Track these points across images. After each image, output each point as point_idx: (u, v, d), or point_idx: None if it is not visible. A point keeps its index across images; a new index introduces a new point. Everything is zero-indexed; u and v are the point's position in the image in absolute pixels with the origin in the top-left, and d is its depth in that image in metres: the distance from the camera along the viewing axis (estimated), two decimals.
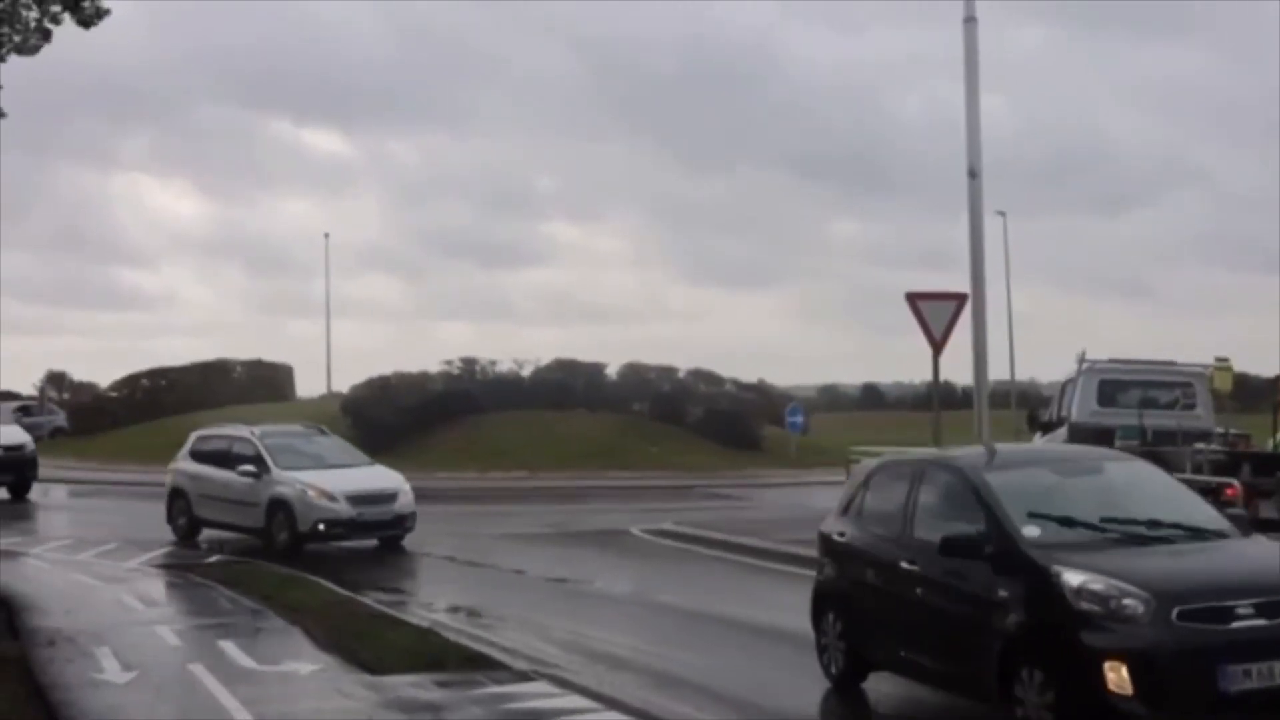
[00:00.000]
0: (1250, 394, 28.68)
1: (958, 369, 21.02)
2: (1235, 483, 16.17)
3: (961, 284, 21.28)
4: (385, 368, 50.60)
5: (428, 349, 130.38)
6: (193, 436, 23.88)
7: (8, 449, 31.52)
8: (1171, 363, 24.92)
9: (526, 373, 49.11)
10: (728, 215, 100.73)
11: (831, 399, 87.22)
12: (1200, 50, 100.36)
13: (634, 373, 49.65)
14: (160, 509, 23.39)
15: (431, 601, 15.73)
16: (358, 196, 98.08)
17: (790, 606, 15.68)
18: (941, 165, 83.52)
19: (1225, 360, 24.26)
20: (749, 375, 55.27)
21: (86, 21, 14.68)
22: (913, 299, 21.33)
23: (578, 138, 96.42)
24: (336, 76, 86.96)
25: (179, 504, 22.85)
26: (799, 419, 44.43)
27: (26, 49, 14.68)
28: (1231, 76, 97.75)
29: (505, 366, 49.13)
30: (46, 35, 14.73)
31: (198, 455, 23.20)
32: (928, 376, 21.75)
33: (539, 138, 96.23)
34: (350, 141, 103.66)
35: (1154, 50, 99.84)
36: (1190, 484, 18.85)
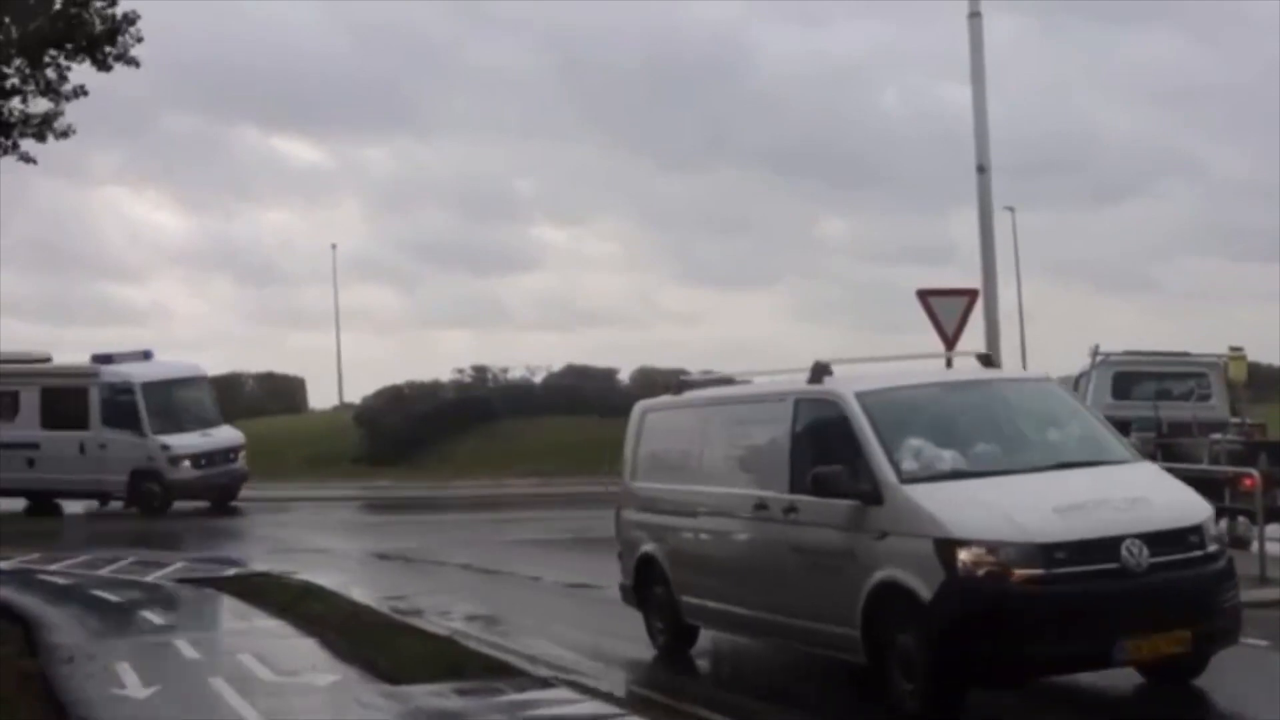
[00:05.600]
0: (1263, 383, 28.60)
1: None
2: (1253, 473, 16.10)
3: (960, 279, 21.22)
4: (392, 378, 50.63)
5: (432, 358, 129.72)
6: None
7: None
8: (1185, 353, 24.89)
9: (538, 379, 49.15)
10: (713, 215, 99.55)
11: None
12: (1174, 35, 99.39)
13: (645, 377, 49.56)
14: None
15: (449, 610, 15.71)
16: (336, 205, 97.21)
17: None
18: (925, 159, 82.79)
19: (1239, 349, 24.19)
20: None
21: (105, 68, 15.06)
22: (924, 296, 21.27)
23: (550, 139, 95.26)
24: (298, 83, 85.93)
25: None
26: None
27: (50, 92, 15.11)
28: (1208, 61, 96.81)
29: (517, 373, 49.20)
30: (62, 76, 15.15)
31: None
32: None
33: (511, 140, 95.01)
34: (321, 149, 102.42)
35: (1129, 37, 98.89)
36: (1206, 475, 18.91)
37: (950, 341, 21.09)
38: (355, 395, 54.38)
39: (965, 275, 20.25)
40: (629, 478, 13.44)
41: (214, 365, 32.72)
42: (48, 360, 33.30)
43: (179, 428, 31.54)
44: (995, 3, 20.15)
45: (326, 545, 24.28)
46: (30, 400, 31.84)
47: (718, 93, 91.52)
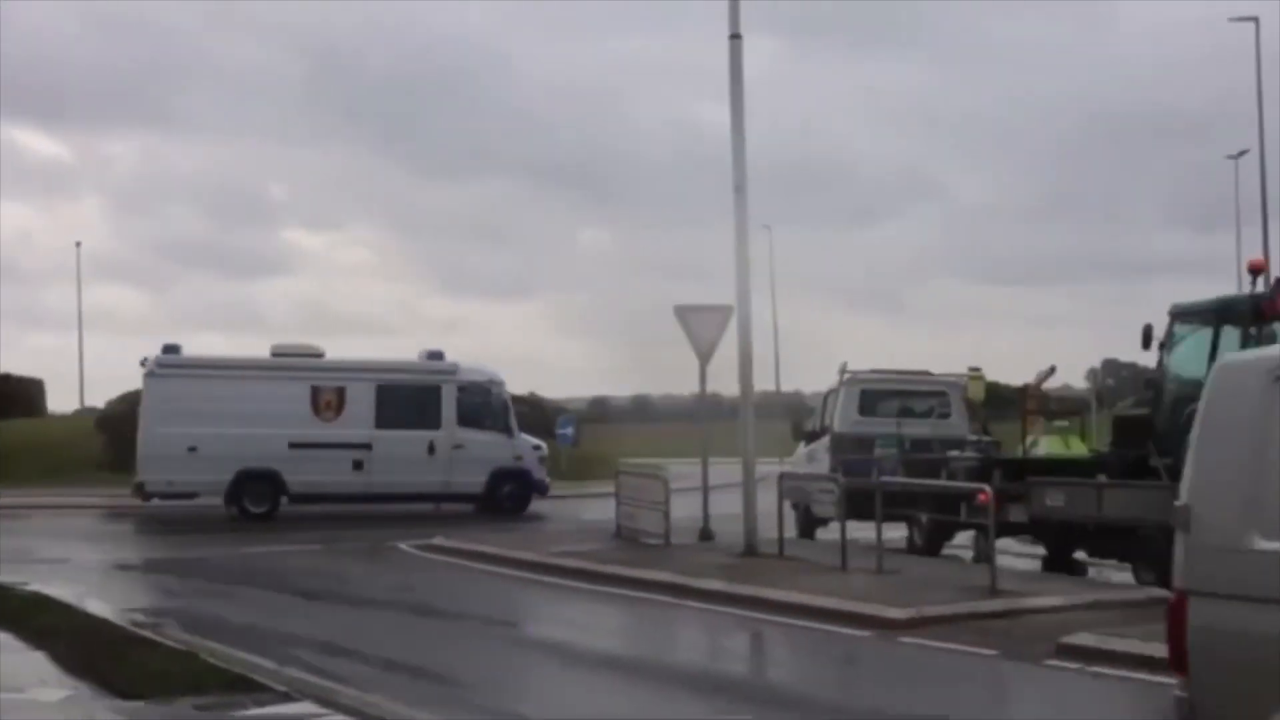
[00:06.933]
0: (1000, 402, 29.96)
1: (724, 380, 22.00)
2: (987, 489, 16.79)
3: (718, 294, 21.69)
4: (138, 382, 48.54)
5: None
6: None
7: None
8: (927, 373, 25.92)
9: None
10: (472, 224, 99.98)
11: (602, 411, 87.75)
12: (922, 63, 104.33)
13: None
14: None
15: (191, 622, 15.23)
16: (78, 200, 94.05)
17: (554, 618, 15.76)
18: (684, 175, 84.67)
19: (978, 370, 25.32)
20: (519, 387, 55.14)
21: None
22: (681, 312, 21.65)
23: (303, 142, 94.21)
24: (37, 72, 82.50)
25: None
26: (569, 431, 44.52)
27: None
28: (954, 88, 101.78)
29: None
30: None
31: None
32: (696, 388, 22.11)
33: (263, 141, 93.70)
34: (62, 142, 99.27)
35: (881, 62, 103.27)
36: (945, 490, 19.66)
37: (705, 356, 21.50)
38: (99, 399, 52.27)
39: (723, 291, 20.65)
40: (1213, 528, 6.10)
41: None
42: (321, 355, 30.51)
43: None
44: (753, 24, 20.50)
45: (64, 555, 23.24)
46: (361, 397, 29.38)
47: (477, 103, 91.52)
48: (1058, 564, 19.38)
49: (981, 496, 16.65)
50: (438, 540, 23.37)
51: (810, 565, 18.07)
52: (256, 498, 29.00)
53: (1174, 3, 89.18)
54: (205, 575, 19.77)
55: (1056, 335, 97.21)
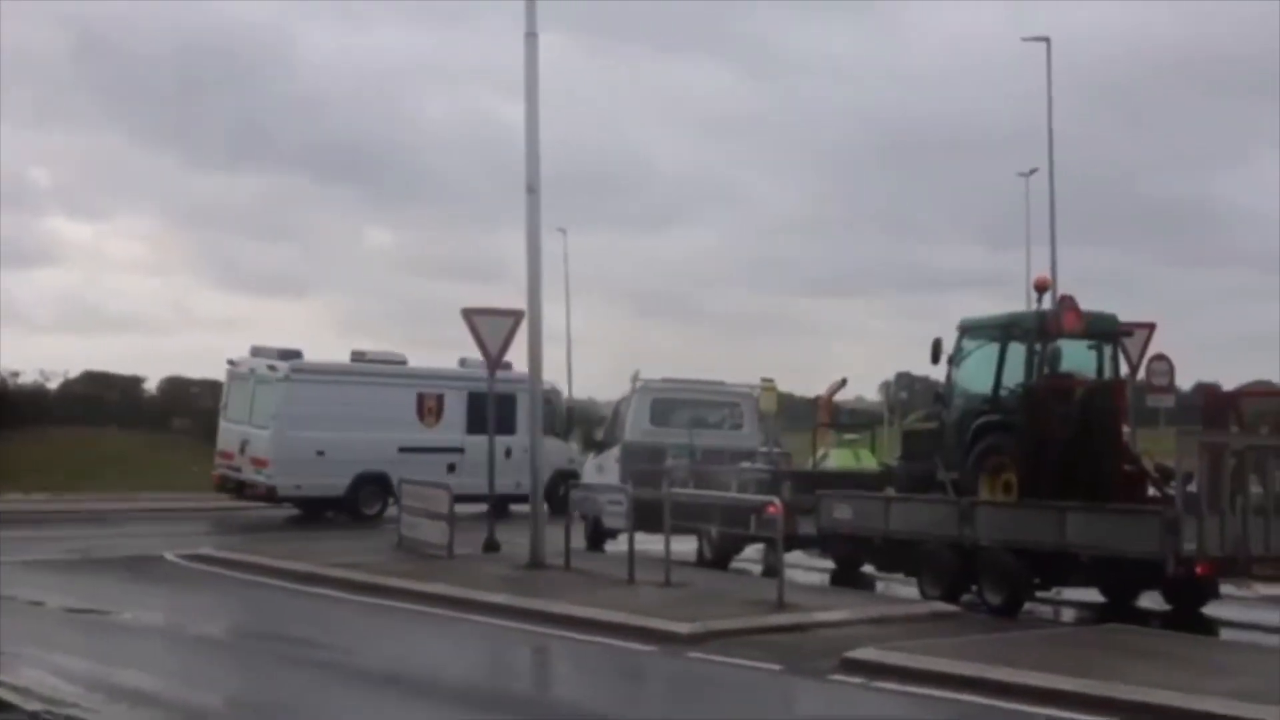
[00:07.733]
0: (793, 414, 30.15)
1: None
2: (776, 501, 16.59)
3: (512, 297, 21.20)
4: None
5: None
6: None
7: None
8: (721, 383, 25.86)
9: (53, 386, 46.25)
10: (250, 218, 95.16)
11: None
12: (718, 68, 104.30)
13: (175, 387, 47.51)
14: None
15: None
16: None
17: (326, 632, 15.05)
18: (476, 174, 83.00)
19: (770, 381, 25.34)
20: None
21: None
22: (469, 315, 21.11)
23: (68, 127, 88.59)
24: None
25: None
26: None
27: None
28: (750, 96, 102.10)
29: (28, 379, 45.98)
30: None
31: None
32: None
33: (20, 123, 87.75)
34: None
35: (676, 65, 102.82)
36: (735, 502, 19.47)
37: (494, 361, 20.99)
38: None
39: (517, 293, 20.18)
40: None
41: None
42: (404, 362, 31.72)
43: None
44: (552, 23, 20.04)
45: None
46: (456, 404, 30.96)
47: (254, 91, 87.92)
48: (846, 578, 19.38)
49: (771, 509, 16.45)
50: (205, 550, 22.37)
51: (597, 578, 17.70)
52: (369, 500, 30.33)
53: (970, 17, 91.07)
54: None
55: (851, 347, 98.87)
